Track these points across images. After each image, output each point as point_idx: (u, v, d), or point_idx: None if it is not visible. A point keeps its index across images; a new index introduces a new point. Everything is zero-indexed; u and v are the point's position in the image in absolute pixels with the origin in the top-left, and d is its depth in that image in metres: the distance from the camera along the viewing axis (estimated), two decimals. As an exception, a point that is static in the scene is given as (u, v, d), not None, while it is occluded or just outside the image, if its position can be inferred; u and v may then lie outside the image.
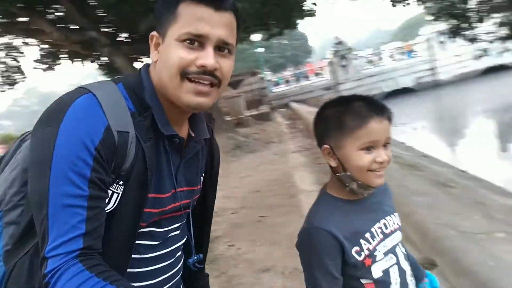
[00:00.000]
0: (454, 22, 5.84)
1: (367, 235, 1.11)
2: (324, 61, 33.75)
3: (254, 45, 36.68)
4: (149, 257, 1.02)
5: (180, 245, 1.14)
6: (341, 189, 1.13)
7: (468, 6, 5.68)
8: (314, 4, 13.87)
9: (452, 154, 10.73)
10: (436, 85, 26.41)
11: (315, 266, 1.08)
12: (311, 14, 14.03)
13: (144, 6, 7.07)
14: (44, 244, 0.81)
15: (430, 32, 26.73)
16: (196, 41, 0.89)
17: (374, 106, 1.08)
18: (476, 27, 6.02)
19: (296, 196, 5.37)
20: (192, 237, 1.17)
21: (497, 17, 6.03)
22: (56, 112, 0.86)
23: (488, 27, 6.22)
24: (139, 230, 0.97)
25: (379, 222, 1.15)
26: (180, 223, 1.11)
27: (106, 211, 0.89)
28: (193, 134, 1.08)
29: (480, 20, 6.00)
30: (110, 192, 0.90)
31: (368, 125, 1.05)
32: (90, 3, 9.53)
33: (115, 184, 0.90)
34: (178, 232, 1.11)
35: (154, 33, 0.97)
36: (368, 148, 1.06)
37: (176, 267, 1.11)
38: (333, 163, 1.11)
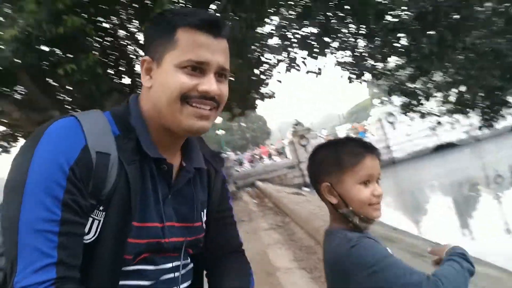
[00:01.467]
0: (405, 99, 6.40)
1: None
2: (283, 141, 34.81)
3: (216, 128, 37.75)
4: None
5: None
6: (345, 224, 1.19)
7: (416, 85, 6.30)
8: (273, 93, 14.68)
9: (419, 227, 10.88)
10: (392, 163, 27.73)
11: (393, 265, 1.06)
12: (271, 96, 14.77)
13: (108, 84, 7.11)
14: (12, 274, 0.74)
15: (380, 113, 28.81)
16: (197, 68, 0.90)
17: (366, 146, 1.22)
18: (424, 104, 6.63)
19: (273, 274, 5.10)
20: (180, 276, 1.03)
21: (440, 95, 6.73)
22: (33, 138, 0.84)
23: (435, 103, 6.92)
24: (127, 268, 0.88)
25: None
26: (174, 262, 1.00)
27: (87, 241, 0.83)
28: (184, 164, 1.03)
29: (427, 98, 6.59)
30: (90, 220, 0.84)
31: (364, 161, 1.17)
32: (52, 83, 9.51)
33: (95, 211, 0.85)
34: (173, 275, 0.99)
35: (146, 57, 0.95)
36: (366, 183, 1.17)
37: None
38: (334, 200, 1.19)
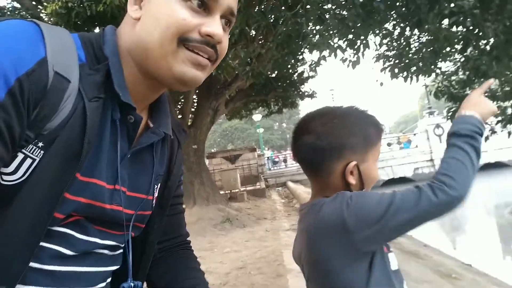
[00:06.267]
0: (453, 105, 5.75)
1: None
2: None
3: (255, 125, 37.91)
4: (54, 271, 0.71)
5: (107, 272, 0.83)
6: None
7: (468, 91, 5.66)
8: (314, 92, 14.21)
9: (454, 246, 10.19)
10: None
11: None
12: (311, 96, 14.33)
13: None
14: None
15: (427, 124, 27.44)
16: (203, 3, 0.73)
17: (379, 121, 1.11)
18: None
19: (283, 276, 4.82)
20: (130, 257, 0.86)
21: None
22: None
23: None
24: (51, 227, 0.69)
25: None
26: (114, 241, 0.82)
27: (10, 183, 0.63)
28: (151, 125, 0.86)
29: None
30: (21, 156, 0.64)
31: (381, 138, 1.09)
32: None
33: (32, 146, 0.64)
34: (107, 251, 0.81)
35: None
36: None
37: None
38: (353, 180, 1.02)
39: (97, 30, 7.87)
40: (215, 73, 3.95)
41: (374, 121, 1.08)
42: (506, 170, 25.23)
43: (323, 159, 1.02)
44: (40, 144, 0.64)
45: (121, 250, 0.86)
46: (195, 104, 11.28)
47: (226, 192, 15.22)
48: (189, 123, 10.77)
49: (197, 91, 10.46)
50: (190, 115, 11.08)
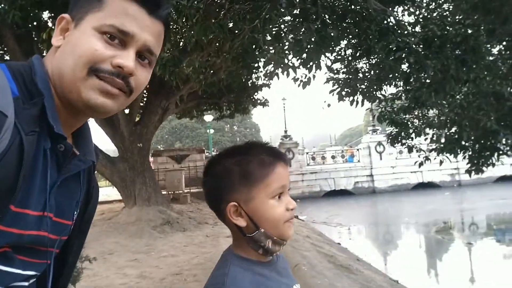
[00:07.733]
0: (395, 129, 6.18)
1: None
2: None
3: (206, 125, 37.66)
4: None
5: None
6: (250, 252, 1.01)
7: (408, 117, 6.10)
8: (266, 100, 14.44)
9: (384, 261, 10.76)
10: (373, 192, 27.70)
11: None
12: (263, 104, 14.52)
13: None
14: None
15: (370, 141, 28.78)
16: (118, 38, 0.77)
17: (275, 152, 1.05)
18: (413, 138, 6.45)
19: None
20: (50, 282, 0.84)
21: (431, 133, 6.55)
22: None
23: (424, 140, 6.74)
24: None
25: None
26: (34, 271, 0.80)
27: None
28: (77, 152, 0.87)
29: (418, 134, 6.37)
30: None
31: (276, 171, 1.00)
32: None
33: None
34: (26, 284, 0.79)
35: (65, 15, 0.82)
36: (279, 196, 0.99)
37: None
38: (242, 222, 0.98)
39: (45, 14, 7.39)
40: (167, 78, 3.90)
41: (256, 156, 1.00)
42: (437, 190, 27.17)
43: (212, 202, 1.02)
44: None
45: (35, 279, 0.84)
46: (144, 102, 10.97)
47: (169, 192, 14.90)
48: (136, 120, 10.45)
49: (147, 87, 10.16)
50: (138, 112, 10.75)
